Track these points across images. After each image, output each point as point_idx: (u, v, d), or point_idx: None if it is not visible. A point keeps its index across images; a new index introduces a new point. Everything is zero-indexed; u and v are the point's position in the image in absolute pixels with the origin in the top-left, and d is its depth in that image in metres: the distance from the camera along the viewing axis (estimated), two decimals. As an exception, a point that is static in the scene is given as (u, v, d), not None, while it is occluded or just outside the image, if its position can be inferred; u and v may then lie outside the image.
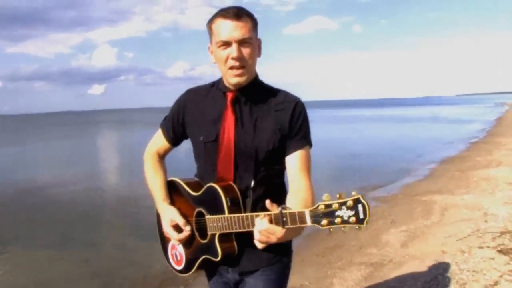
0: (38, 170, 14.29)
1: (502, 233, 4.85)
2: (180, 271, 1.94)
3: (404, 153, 14.33)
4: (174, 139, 1.96)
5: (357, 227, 1.34)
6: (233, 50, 1.65)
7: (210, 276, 1.96)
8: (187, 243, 1.87)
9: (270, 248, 1.66)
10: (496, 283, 3.54)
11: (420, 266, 4.19)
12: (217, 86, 1.83)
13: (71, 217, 7.88)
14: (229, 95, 1.76)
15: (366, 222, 1.34)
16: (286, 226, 1.45)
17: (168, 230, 1.85)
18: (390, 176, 10.07)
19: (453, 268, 3.97)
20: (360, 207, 1.35)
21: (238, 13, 1.65)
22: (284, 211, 1.45)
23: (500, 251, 4.26)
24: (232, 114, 1.75)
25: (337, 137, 21.44)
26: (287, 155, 1.75)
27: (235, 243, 1.74)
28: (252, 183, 1.73)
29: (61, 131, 43.16)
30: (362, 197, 1.36)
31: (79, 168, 14.19)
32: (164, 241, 2.00)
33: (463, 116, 37.99)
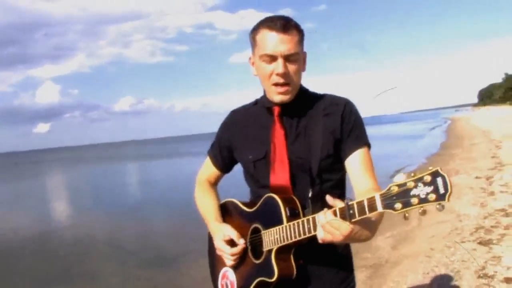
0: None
1: (477, 228, 5.57)
2: None
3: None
4: (224, 165, 1.88)
5: (437, 205, 1.13)
6: (278, 66, 1.55)
7: None
8: (240, 266, 1.72)
9: (336, 270, 1.62)
10: (483, 268, 4.19)
11: (415, 262, 4.80)
12: (260, 103, 1.75)
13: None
14: (276, 110, 1.66)
15: (449, 198, 1.12)
16: (354, 219, 1.30)
17: (220, 245, 1.72)
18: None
19: (445, 260, 4.60)
20: (439, 180, 1.14)
21: (286, 25, 1.54)
22: (350, 203, 1.30)
23: (480, 243, 4.94)
24: (281, 128, 1.65)
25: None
26: (345, 158, 1.61)
27: (293, 263, 1.57)
28: (310, 194, 1.59)
29: (5, 173, 42.18)
30: (441, 169, 1.14)
31: (25, 211, 14.08)
32: (215, 270, 1.87)
33: (414, 132, 39.99)
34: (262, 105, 1.72)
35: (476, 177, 9.60)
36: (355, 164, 1.59)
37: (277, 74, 1.55)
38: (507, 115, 40.53)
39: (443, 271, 4.31)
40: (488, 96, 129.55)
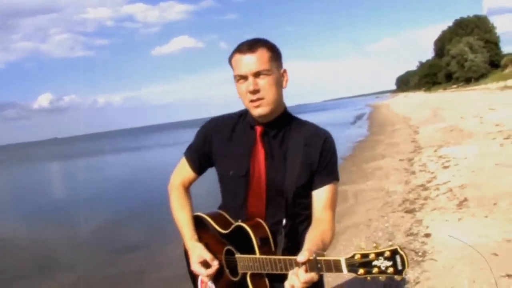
0: None
1: (403, 201, 6.89)
2: None
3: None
4: (200, 168, 1.96)
5: (394, 277, 1.31)
6: (249, 84, 1.66)
7: None
8: (218, 279, 1.84)
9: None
10: (410, 228, 5.45)
11: (357, 230, 5.99)
12: (245, 118, 1.84)
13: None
14: (258, 129, 1.76)
15: (405, 273, 1.31)
16: (321, 273, 1.45)
17: (196, 268, 1.81)
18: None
19: (381, 226, 5.83)
20: (398, 258, 1.32)
21: (253, 46, 1.67)
22: (318, 258, 1.43)
23: (406, 212, 6.24)
24: (262, 149, 1.75)
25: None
26: (314, 189, 1.75)
27: (267, 283, 1.71)
28: (284, 221, 1.73)
29: None
30: (400, 248, 1.33)
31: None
32: (193, 277, 1.98)
33: (339, 119, 42.30)
34: (248, 121, 1.81)
35: (400, 160, 11.13)
36: (321, 197, 1.75)
37: (249, 92, 1.67)
38: (422, 101, 43.94)
39: (380, 234, 5.53)
40: (405, 83, 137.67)
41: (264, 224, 1.71)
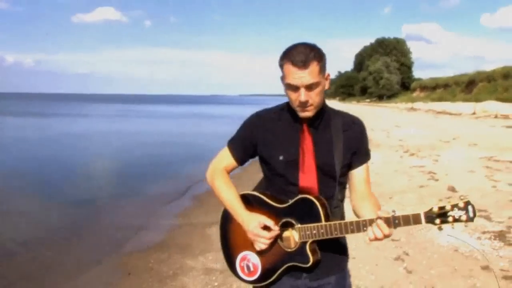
0: None
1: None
2: (253, 281, 2.02)
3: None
4: (243, 159, 2.10)
5: (466, 224, 1.68)
6: (301, 95, 1.82)
7: (274, 283, 2.01)
8: (265, 252, 1.95)
9: (341, 253, 2.03)
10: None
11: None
12: (287, 111, 2.00)
13: None
14: (305, 120, 1.94)
15: (473, 219, 1.67)
16: (399, 227, 1.74)
17: (257, 231, 1.90)
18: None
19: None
20: (470, 207, 1.67)
21: (306, 61, 1.79)
22: (396, 215, 1.73)
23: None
24: (310, 136, 1.94)
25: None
26: (355, 168, 2.00)
27: (319, 253, 1.91)
28: (335, 195, 1.94)
29: None
30: (470, 201, 1.67)
31: None
32: (231, 254, 2.08)
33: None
34: (292, 113, 1.97)
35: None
36: (363, 174, 2.01)
37: (300, 101, 1.83)
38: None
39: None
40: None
41: (325, 201, 1.89)
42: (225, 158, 2.10)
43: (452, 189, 8.11)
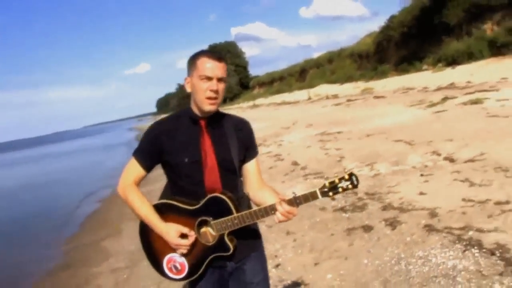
0: None
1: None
2: (183, 278, 2.24)
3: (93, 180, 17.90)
4: (150, 166, 2.27)
5: (354, 190, 2.02)
6: (213, 84, 2.12)
7: (203, 276, 2.23)
8: (189, 252, 2.19)
9: (254, 236, 2.34)
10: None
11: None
12: (186, 115, 2.25)
13: None
14: (202, 123, 2.21)
15: (358, 186, 2.04)
16: (300, 205, 2.06)
17: (178, 241, 2.14)
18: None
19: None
20: (353, 177, 2.04)
21: (221, 57, 2.17)
22: (296, 196, 2.06)
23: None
24: (208, 137, 2.21)
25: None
26: (248, 161, 2.31)
27: (235, 239, 2.19)
28: (238, 188, 2.25)
29: None
30: (353, 172, 2.05)
31: None
32: (157, 259, 2.28)
33: (110, 141, 44.04)
34: (189, 117, 2.24)
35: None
36: (255, 166, 2.35)
37: (211, 90, 2.12)
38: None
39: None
40: (165, 105, 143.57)
41: (231, 195, 2.17)
42: (132, 169, 2.27)
43: (295, 163, 10.00)
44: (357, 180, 2.05)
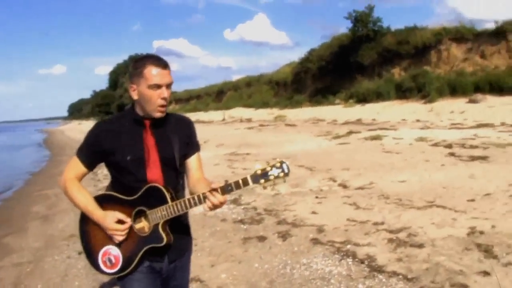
0: None
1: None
2: (116, 272, 2.24)
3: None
4: (92, 165, 2.33)
5: (285, 179, 2.06)
6: (163, 92, 2.19)
7: (138, 275, 2.25)
8: (123, 242, 2.21)
9: (188, 232, 2.43)
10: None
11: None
12: (130, 116, 2.30)
13: None
14: (147, 123, 2.27)
15: (288, 174, 2.06)
16: (232, 192, 2.10)
17: (114, 226, 2.17)
18: None
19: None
20: (284, 165, 2.06)
21: (166, 64, 2.21)
22: (229, 182, 2.08)
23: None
24: (152, 135, 2.27)
25: None
26: (189, 157, 2.38)
27: (169, 232, 2.22)
28: (177, 182, 2.33)
29: None
30: (285, 160, 2.07)
31: None
32: (92, 252, 2.30)
33: (14, 141, 42.02)
34: (133, 118, 2.29)
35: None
36: (196, 162, 2.41)
37: (163, 98, 2.20)
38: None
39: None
40: (78, 111, 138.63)
41: (168, 186, 2.24)
42: (74, 167, 2.32)
43: (203, 178, 10.34)
44: (288, 168, 2.09)
